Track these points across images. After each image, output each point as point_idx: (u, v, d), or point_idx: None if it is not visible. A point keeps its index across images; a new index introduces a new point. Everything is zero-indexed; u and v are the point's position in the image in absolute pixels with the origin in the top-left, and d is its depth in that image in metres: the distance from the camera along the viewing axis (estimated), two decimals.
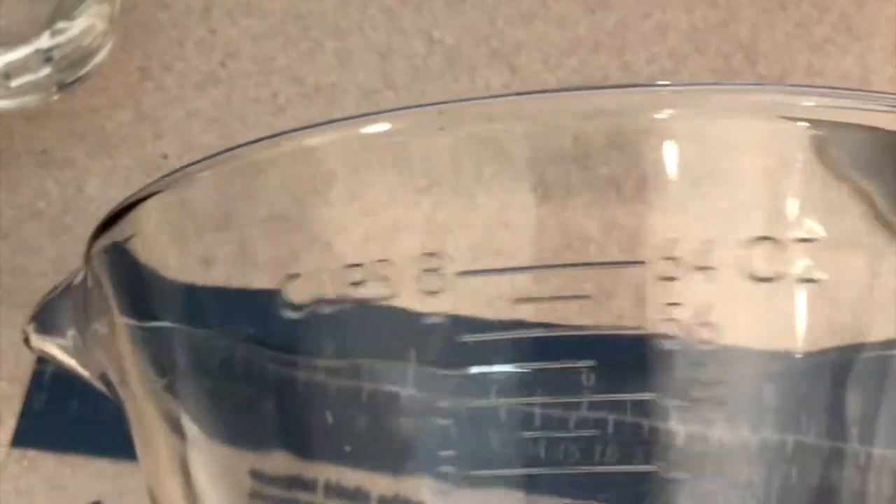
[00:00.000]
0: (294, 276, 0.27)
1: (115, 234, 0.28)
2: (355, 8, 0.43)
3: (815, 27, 0.42)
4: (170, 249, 0.28)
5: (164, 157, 0.41)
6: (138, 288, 0.28)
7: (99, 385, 0.30)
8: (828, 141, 0.25)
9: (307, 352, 0.28)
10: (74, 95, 0.42)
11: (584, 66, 0.42)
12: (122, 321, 0.28)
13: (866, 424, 0.26)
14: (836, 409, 0.26)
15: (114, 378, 0.29)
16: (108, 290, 0.29)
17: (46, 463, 0.37)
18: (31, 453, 0.37)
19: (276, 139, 0.26)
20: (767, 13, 0.42)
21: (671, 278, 0.25)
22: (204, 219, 0.28)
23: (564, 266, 0.26)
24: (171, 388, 0.28)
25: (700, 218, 0.26)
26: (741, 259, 0.25)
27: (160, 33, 0.43)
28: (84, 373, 0.31)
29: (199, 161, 0.27)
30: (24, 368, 0.38)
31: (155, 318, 0.28)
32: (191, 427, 0.28)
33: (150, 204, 0.27)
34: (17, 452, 0.37)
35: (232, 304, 0.28)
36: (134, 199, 0.28)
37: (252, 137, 0.27)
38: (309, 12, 0.43)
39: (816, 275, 0.25)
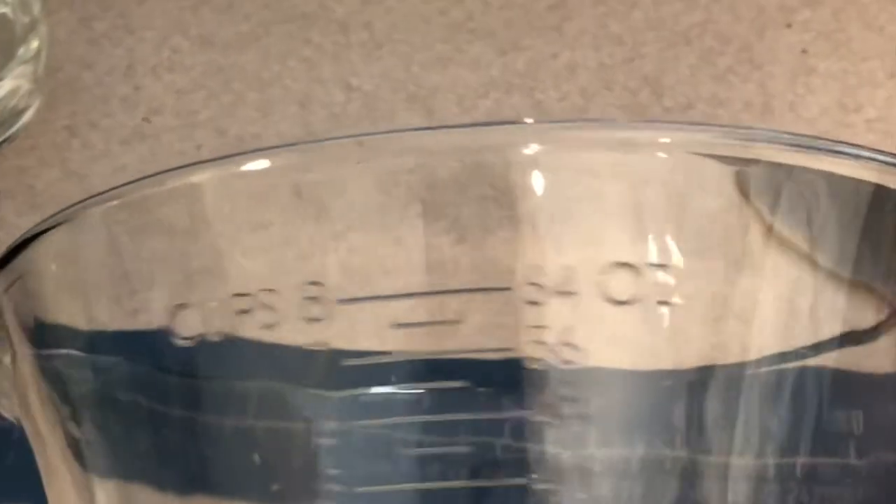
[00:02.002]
0: (182, 307, 0.28)
1: (12, 270, 0.29)
2: (275, 59, 0.45)
3: (718, 58, 0.44)
4: (62, 285, 0.29)
5: None
6: (37, 320, 0.29)
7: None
8: (743, 174, 0.27)
9: (198, 382, 0.29)
10: (2, 156, 0.43)
11: (498, 106, 0.43)
12: (23, 350, 0.29)
13: (725, 437, 0.28)
14: (696, 424, 0.28)
15: (18, 407, 0.30)
16: (10, 320, 0.29)
17: None
18: None
19: (159, 177, 0.27)
20: (672, 47, 0.44)
21: (536, 303, 0.27)
22: (94, 256, 0.29)
23: (436, 293, 0.28)
24: (73, 417, 0.29)
25: (561, 245, 0.27)
26: (600, 284, 0.27)
27: (85, 92, 0.44)
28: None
29: (87, 199, 0.28)
30: None
31: (54, 347, 0.29)
32: (93, 458, 0.29)
33: (43, 241, 0.28)
34: None
35: (127, 337, 0.29)
36: (28, 235, 0.29)
37: None
38: (230, 65, 0.45)
39: (674, 299, 0.27)
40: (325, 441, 0.28)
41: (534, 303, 0.27)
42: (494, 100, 0.43)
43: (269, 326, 0.28)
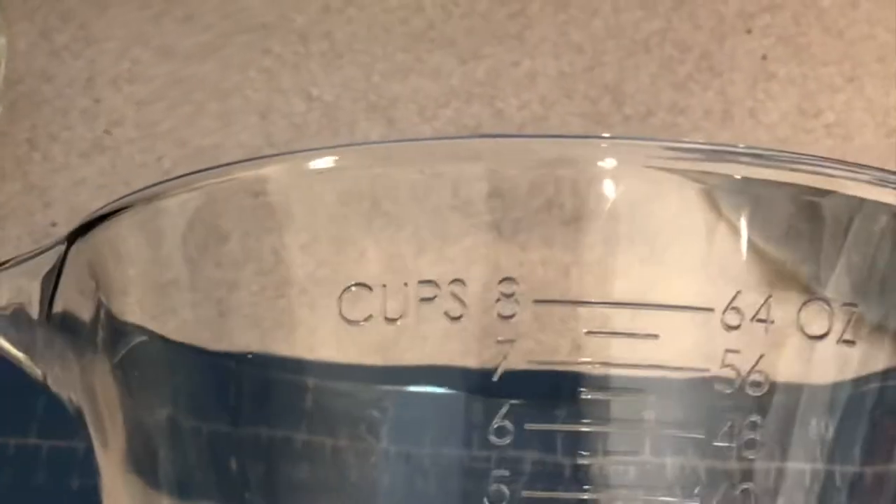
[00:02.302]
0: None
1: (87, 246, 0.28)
2: (235, 70, 0.45)
3: (678, 66, 0.44)
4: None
5: (54, 224, 0.42)
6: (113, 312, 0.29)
7: (53, 389, 0.30)
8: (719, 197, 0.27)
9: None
10: None
11: (458, 115, 0.43)
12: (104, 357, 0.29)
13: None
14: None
15: (83, 406, 0.29)
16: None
17: None
18: None
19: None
20: (632, 56, 0.44)
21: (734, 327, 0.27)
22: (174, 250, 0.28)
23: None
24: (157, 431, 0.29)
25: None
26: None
27: (45, 104, 0.44)
28: (34, 371, 0.30)
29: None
30: None
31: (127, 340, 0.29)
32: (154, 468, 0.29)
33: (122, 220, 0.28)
34: None
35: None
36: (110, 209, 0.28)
37: None
38: (190, 77, 0.45)
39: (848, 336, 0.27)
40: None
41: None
42: (455, 109, 0.43)
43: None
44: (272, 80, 0.44)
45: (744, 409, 0.27)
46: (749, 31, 0.44)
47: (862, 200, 0.27)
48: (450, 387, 0.28)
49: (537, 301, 0.27)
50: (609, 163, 0.27)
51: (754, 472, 0.27)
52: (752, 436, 0.27)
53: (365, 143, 0.29)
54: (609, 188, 0.27)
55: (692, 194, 0.27)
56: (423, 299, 0.27)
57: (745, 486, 0.27)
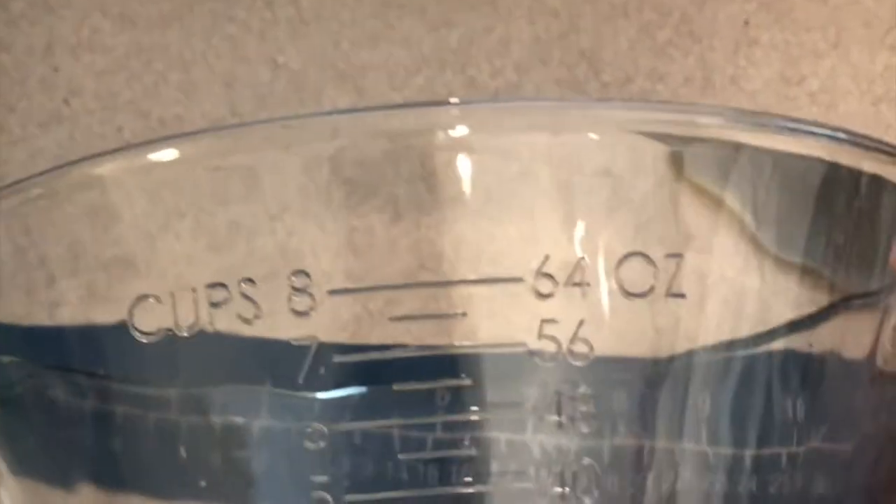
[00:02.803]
0: (142, 298, 0.27)
1: None
2: (199, 38, 0.43)
3: (657, 31, 0.42)
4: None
5: None
6: None
7: None
8: (682, 155, 0.26)
9: (156, 383, 0.27)
10: None
11: (429, 84, 0.42)
12: None
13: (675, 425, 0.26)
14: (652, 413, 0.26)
15: None
16: None
17: None
18: None
19: (65, 169, 0.26)
20: (609, 21, 0.43)
21: (546, 295, 0.26)
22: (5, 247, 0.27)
23: (423, 285, 0.26)
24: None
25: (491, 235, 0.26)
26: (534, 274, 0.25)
27: (2, 74, 0.43)
28: None
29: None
30: None
31: None
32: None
33: None
34: None
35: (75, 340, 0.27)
36: None
37: None
38: (152, 45, 0.43)
39: (683, 289, 0.26)
40: (309, 445, 0.27)
41: (542, 295, 0.26)
42: (426, 77, 0.42)
43: (248, 321, 0.26)
44: (237, 49, 0.43)
45: (570, 381, 0.26)
46: None
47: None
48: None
49: (332, 292, 0.26)
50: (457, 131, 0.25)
51: (594, 448, 0.26)
52: (583, 408, 0.26)
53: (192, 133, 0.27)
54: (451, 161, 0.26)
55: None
56: (213, 304, 0.26)
57: (585, 461, 0.26)
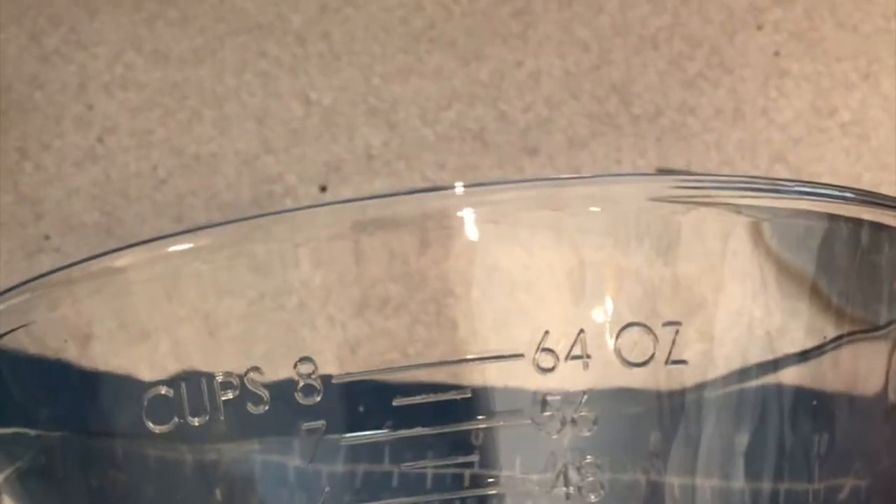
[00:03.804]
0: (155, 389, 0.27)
1: None
2: (231, 74, 0.43)
3: (688, 63, 0.42)
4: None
5: (47, 237, 0.41)
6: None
7: None
8: (759, 226, 0.26)
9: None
10: None
11: (461, 118, 0.42)
12: None
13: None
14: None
15: None
16: None
17: None
18: None
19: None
20: (639, 53, 0.43)
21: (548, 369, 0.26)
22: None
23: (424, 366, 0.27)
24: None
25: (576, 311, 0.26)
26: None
27: (36, 112, 0.43)
28: None
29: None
30: None
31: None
32: None
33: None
34: None
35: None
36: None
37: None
38: (185, 81, 0.43)
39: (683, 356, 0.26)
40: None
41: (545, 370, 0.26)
42: (457, 111, 0.42)
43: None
44: (269, 84, 0.43)
45: (577, 450, 0.26)
46: (760, 27, 0.43)
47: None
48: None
49: (336, 377, 0.26)
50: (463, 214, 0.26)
51: None
52: (591, 478, 0.26)
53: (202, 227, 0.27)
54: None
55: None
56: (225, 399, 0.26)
57: None
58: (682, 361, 0.26)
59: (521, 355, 0.25)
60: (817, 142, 0.41)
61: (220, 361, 0.26)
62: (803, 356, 0.27)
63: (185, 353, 0.27)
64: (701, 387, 0.26)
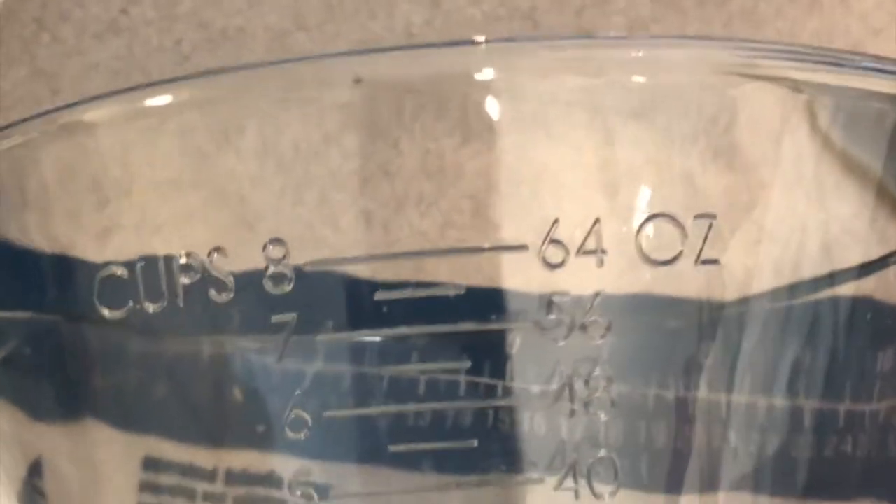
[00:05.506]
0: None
1: None
2: None
3: None
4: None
5: None
6: None
7: None
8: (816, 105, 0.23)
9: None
10: None
11: None
12: None
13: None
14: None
15: None
16: None
17: None
18: None
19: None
20: None
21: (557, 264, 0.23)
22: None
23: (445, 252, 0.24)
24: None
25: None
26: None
27: None
28: None
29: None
30: None
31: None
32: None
33: None
34: None
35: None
36: None
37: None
38: None
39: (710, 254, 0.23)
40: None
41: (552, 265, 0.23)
42: None
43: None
44: None
45: (586, 360, 0.23)
46: None
47: None
48: None
49: (308, 264, 0.23)
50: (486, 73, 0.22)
51: (612, 436, 0.23)
52: (599, 393, 0.23)
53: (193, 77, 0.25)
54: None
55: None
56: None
57: (601, 453, 0.23)
58: (714, 261, 0.23)
59: (525, 247, 0.22)
60: None
61: (183, 237, 0.24)
62: (865, 268, 0.24)
63: (145, 229, 0.24)
64: (740, 297, 0.23)
